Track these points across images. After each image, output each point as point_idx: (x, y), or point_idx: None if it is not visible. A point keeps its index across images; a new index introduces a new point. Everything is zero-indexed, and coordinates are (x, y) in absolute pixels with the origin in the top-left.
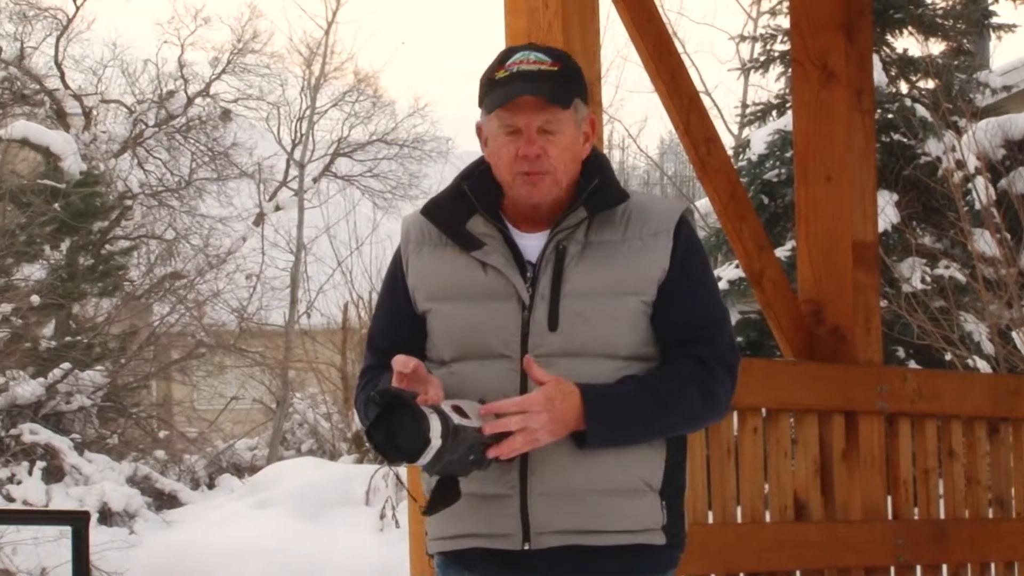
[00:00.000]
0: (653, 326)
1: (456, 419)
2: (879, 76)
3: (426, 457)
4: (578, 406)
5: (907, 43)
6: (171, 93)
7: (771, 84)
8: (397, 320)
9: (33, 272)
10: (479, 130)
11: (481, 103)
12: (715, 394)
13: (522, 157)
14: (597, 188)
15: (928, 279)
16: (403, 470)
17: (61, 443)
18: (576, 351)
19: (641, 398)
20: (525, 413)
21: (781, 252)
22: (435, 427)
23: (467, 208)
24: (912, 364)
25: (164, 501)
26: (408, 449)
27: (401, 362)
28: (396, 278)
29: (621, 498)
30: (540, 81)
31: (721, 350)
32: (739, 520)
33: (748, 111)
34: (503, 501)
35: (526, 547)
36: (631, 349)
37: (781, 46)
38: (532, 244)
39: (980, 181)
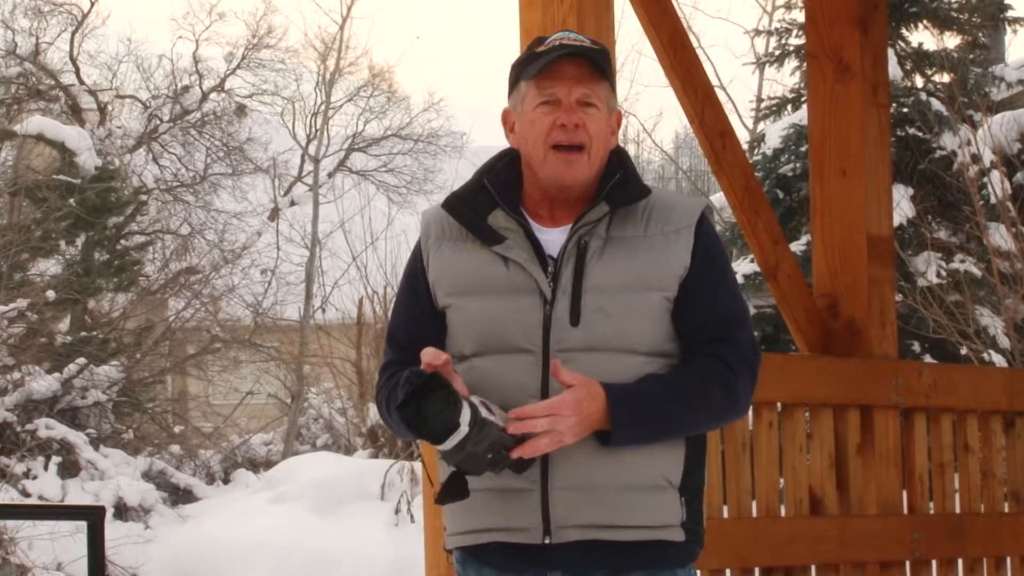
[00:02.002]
0: (674, 323)
1: (484, 412)
2: (894, 70)
3: (452, 441)
4: (604, 407)
5: (922, 37)
6: (186, 88)
7: (786, 78)
8: (418, 315)
9: (49, 267)
10: (505, 116)
11: (514, 82)
12: (737, 394)
13: (560, 126)
14: (619, 183)
15: (943, 273)
16: (418, 464)
17: (77, 438)
18: (598, 346)
19: (665, 398)
20: (553, 416)
21: (796, 246)
22: (465, 414)
23: (488, 202)
24: (927, 358)
25: (179, 496)
26: (438, 430)
27: (432, 354)
28: (416, 273)
29: (641, 494)
30: (582, 54)
31: (743, 349)
32: (754, 515)
33: (763, 105)
34: (524, 495)
35: (547, 541)
36: (652, 345)
37: (796, 40)
38: (553, 239)
39: (995, 175)
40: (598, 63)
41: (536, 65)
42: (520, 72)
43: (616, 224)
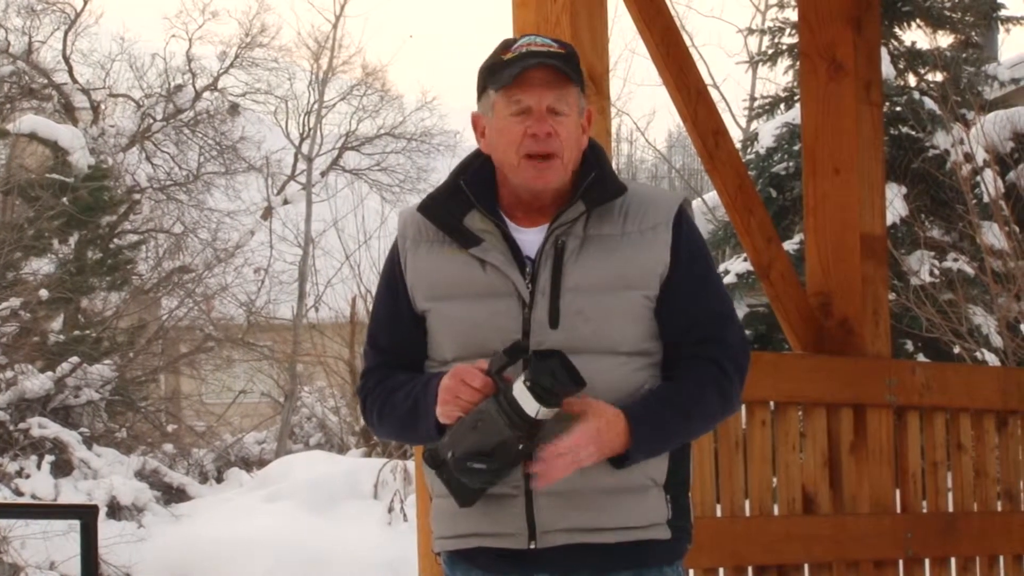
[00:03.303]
0: (658, 321)
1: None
2: (887, 69)
3: (545, 413)
4: (623, 432)
5: (915, 36)
6: (179, 87)
7: (779, 77)
8: (398, 318)
9: (41, 266)
10: (475, 121)
11: (483, 89)
12: (730, 394)
13: (531, 136)
14: (595, 181)
15: (937, 272)
16: (411, 463)
17: (70, 437)
18: (578, 348)
19: (671, 413)
20: (576, 450)
21: (789, 245)
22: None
23: (464, 203)
24: (921, 357)
25: (173, 495)
26: (554, 392)
27: (476, 376)
28: (394, 275)
29: (626, 495)
30: (550, 59)
31: (734, 350)
32: (747, 513)
33: (756, 104)
34: (508, 501)
35: (532, 546)
36: (633, 344)
37: (789, 39)
38: (530, 239)
39: (988, 174)
40: (566, 67)
41: (505, 75)
42: (488, 80)
43: (593, 222)
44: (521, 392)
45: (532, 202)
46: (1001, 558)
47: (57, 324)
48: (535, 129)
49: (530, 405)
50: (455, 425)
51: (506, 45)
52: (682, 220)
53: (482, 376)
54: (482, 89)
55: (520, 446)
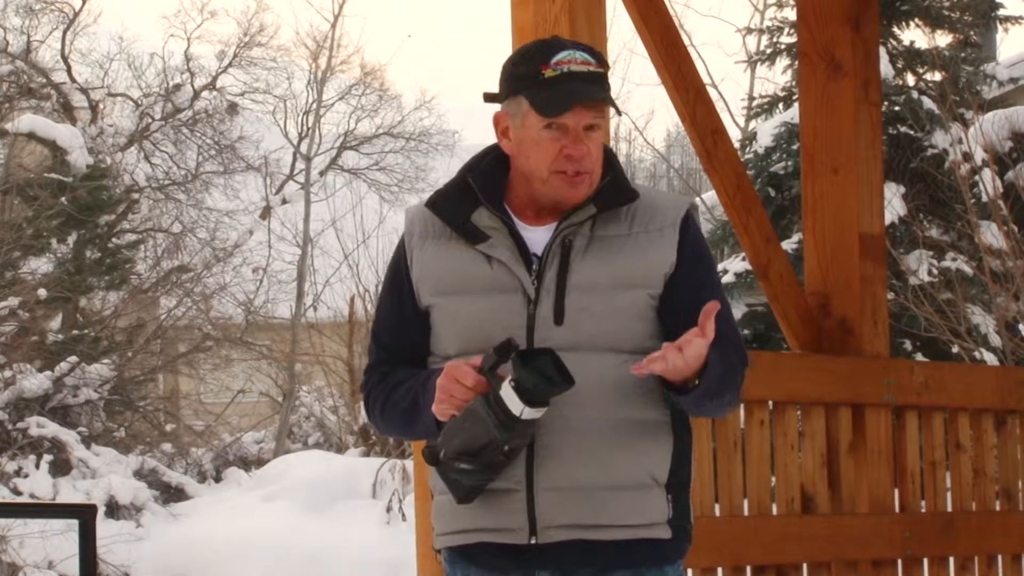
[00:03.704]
0: (661, 319)
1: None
2: (886, 68)
3: (534, 413)
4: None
5: (914, 35)
6: (177, 87)
7: (778, 76)
8: (402, 314)
9: (40, 266)
10: (499, 119)
11: (513, 93)
12: (740, 382)
13: (567, 156)
14: (608, 185)
15: (935, 271)
16: (410, 462)
17: (68, 436)
18: (582, 345)
19: (723, 369)
20: (682, 346)
21: (788, 245)
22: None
23: (472, 200)
24: (919, 356)
25: (171, 494)
26: (541, 392)
27: (468, 374)
28: (400, 271)
29: (627, 493)
30: (592, 83)
31: (737, 346)
32: (746, 513)
33: (755, 103)
34: (510, 496)
35: (532, 541)
36: (636, 343)
37: (788, 38)
38: (537, 237)
39: (987, 173)
40: (606, 88)
41: (547, 98)
42: (521, 89)
43: (600, 223)
44: (507, 391)
45: (548, 205)
46: (1000, 558)
47: (56, 323)
48: (571, 151)
49: (515, 404)
50: (448, 423)
51: (544, 54)
52: (689, 223)
53: (474, 374)
54: (512, 92)
55: (506, 447)
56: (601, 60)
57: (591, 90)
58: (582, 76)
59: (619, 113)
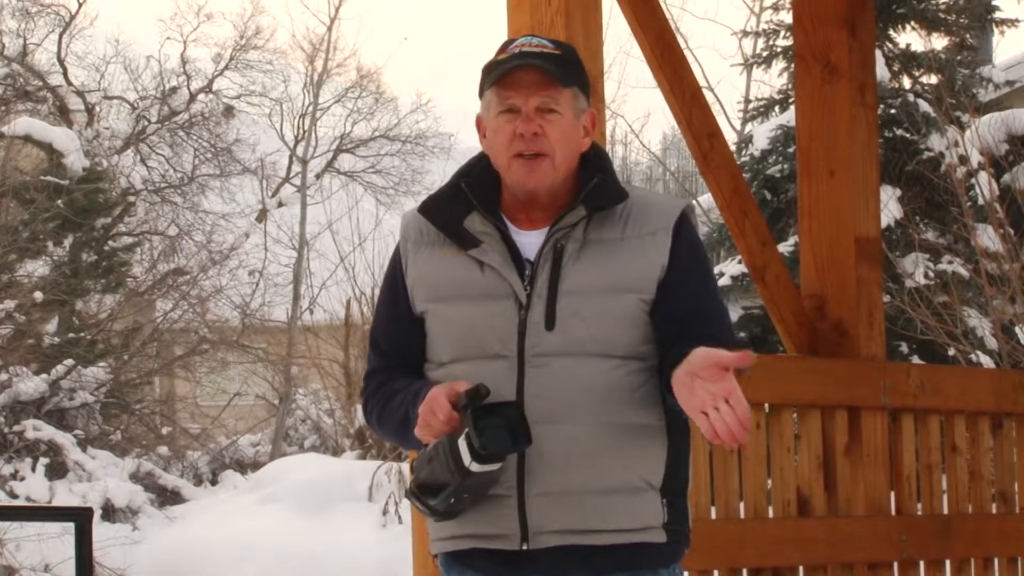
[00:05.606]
0: (654, 324)
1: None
2: (882, 71)
3: (487, 468)
4: None
5: (910, 38)
6: (174, 89)
7: (774, 79)
8: (398, 320)
9: (36, 269)
10: (479, 123)
11: (481, 89)
12: None
13: (519, 136)
14: (597, 186)
15: (931, 274)
16: (405, 465)
17: (64, 439)
18: (573, 350)
19: None
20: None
21: (784, 247)
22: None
23: (465, 205)
24: (915, 359)
25: (167, 497)
26: (495, 450)
27: (443, 408)
28: (396, 277)
29: (620, 497)
30: (541, 59)
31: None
32: (742, 516)
33: (751, 106)
34: (501, 502)
35: (524, 547)
36: (628, 348)
37: (784, 41)
38: (530, 242)
39: (983, 176)
40: (557, 69)
41: (495, 73)
42: (484, 79)
43: (593, 227)
44: (463, 442)
45: (530, 203)
46: (996, 560)
47: (52, 326)
48: (522, 129)
49: (466, 456)
50: (419, 453)
51: (504, 45)
52: (683, 226)
53: (448, 410)
54: (481, 89)
55: (464, 494)
56: (561, 47)
57: (536, 63)
58: (530, 54)
59: (582, 90)
